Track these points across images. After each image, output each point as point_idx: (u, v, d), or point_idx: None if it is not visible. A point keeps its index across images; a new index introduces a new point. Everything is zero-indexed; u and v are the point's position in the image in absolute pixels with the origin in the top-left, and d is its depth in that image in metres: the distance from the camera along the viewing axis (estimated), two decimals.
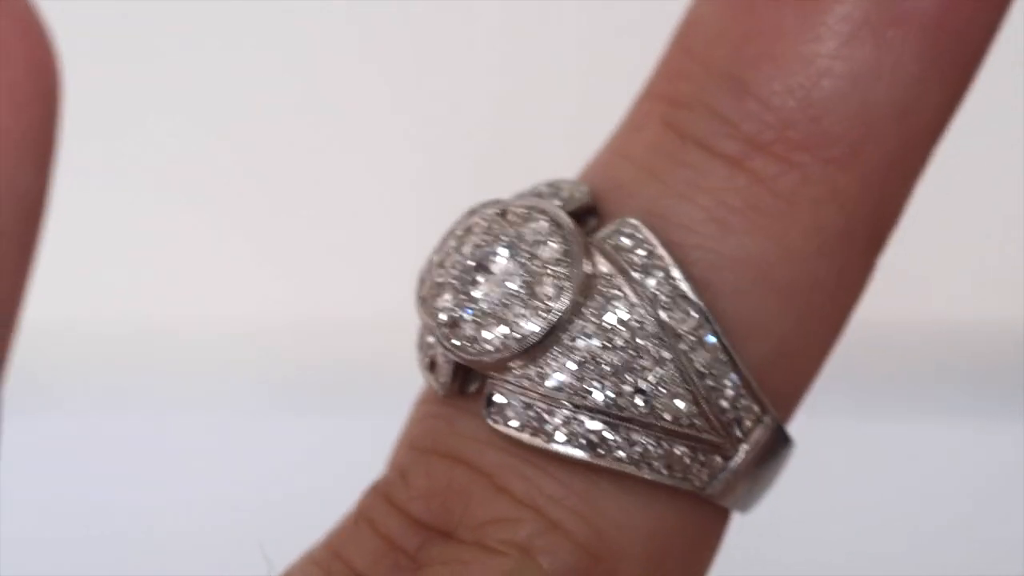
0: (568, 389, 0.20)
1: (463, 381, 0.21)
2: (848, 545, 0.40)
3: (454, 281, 0.21)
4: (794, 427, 0.22)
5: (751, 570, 0.37)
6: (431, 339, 0.21)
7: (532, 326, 0.20)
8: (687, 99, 0.21)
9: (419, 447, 0.21)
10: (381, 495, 0.21)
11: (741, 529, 0.23)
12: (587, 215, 0.21)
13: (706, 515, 0.21)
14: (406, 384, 0.23)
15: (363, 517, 0.21)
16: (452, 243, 0.21)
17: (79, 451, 0.42)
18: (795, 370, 0.21)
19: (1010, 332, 0.45)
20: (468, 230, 0.21)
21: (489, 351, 0.20)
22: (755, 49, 0.21)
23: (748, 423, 0.20)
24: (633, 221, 0.20)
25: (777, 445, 0.21)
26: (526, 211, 0.21)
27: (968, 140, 0.43)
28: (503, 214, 0.21)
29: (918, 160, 0.21)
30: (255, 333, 0.46)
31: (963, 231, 0.47)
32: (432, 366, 0.21)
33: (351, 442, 0.24)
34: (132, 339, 0.45)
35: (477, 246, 0.21)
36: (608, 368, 0.20)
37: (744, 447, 0.20)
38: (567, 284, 0.20)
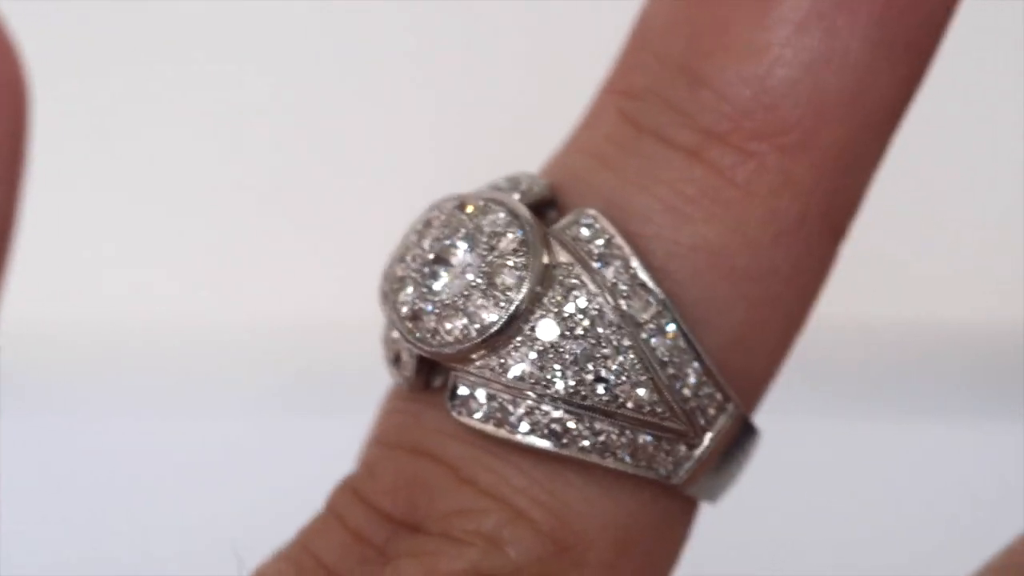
0: (530, 379, 0.20)
1: (428, 375, 0.21)
2: (847, 545, 0.40)
3: (414, 274, 0.21)
4: (793, 428, 0.22)
5: (751, 569, 0.37)
6: (395, 334, 0.21)
7: (491, 316, 0.20)
8: (642, 91, 0.21)
9: (385, 442, 0.22)
10: (349, 490, 0.21)
11: (739, 528, 0.23)
12: (547, 208, 0.21)
13: (672, 504, 0.21)
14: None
15: (332, 512, 0.21)
16: (412, 237, 0.21)
17: (71, 452, 0.42)
18: (755, 358, 0.21)
19: (1010, 332, 0.45)
20: (427, 224, 0.21)
21: (450, 342, 0.20)
22: (708, 39, 0.21)
23: (711, 411, 0.20)
24: (591, 211, 0.21)
25: (742, 435, 0.21)
26: (484, 203, 0.21)
27: (968, 140, 0.43)
28: (461, 207, 0.21)
29: (872, 146, 0.21)
30: (251, 335, 0.46)
31: (964, 231, 0.47)
32: (397, 360, 0.21)
33: (344, 443, 0.24)
34: (130, 340, 0.46)
35: (436, 239, 0.21)
36: (569, 357, 0.20)
37: (708, 435, 0.20)
38: (525, 274, 0.20)
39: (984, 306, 0.46)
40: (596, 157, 0.21)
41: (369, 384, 0.25)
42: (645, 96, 0.21)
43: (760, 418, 0.22)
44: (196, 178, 0.48)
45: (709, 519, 0.23)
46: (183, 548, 0.38)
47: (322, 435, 0.36)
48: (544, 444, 0.20)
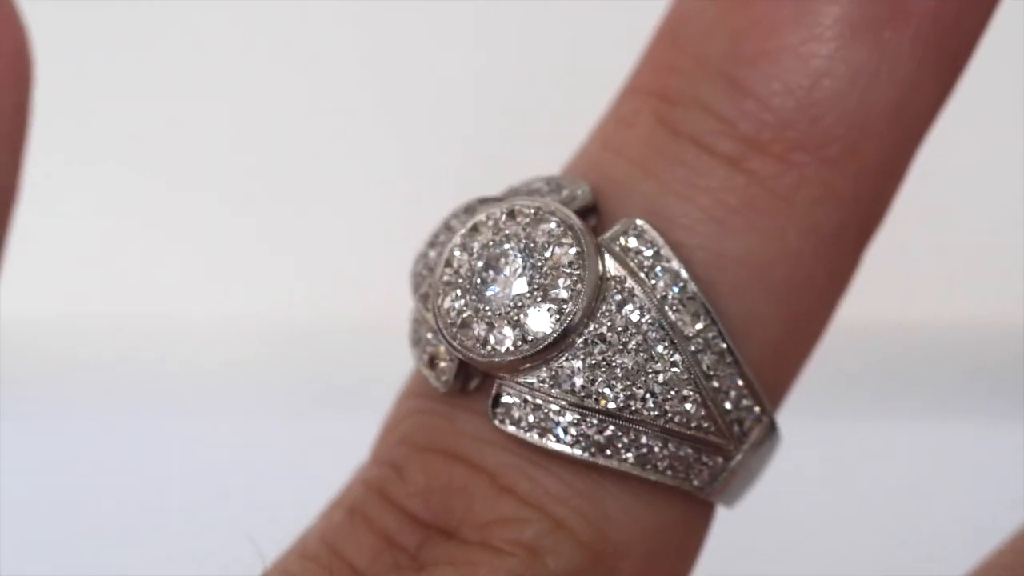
0: (580, 392, 0.20)
1: (464, 378, 0.21)
2: (846, 545, 0.40)
3: (462, 281, 0.20)
4: (794, 428, 0.22)
5: (751, 569, 0.37)
6: (430, 336, 0.21)
7: (545, 328, 0.20)
8: (680, 95, 0.21)
9: (414, 443, 0.21)
10: (375, 490, 0.21)
11: (739, 528, 0.23)
12: (587, 213, 0.21)
13: (696, 510, 0.21)
14: (397, 384, 0.23)
15: (357, 512, 0.21)
16: (457, 241, 0.21)
17: (72, 451, 0.42)
18: (787, 366, 0.21)
19: (1010, 332, 0.45)
20: (474, 229, 0.21)
21: (501, 353, 0.20)
22: (751, 47, 0.20)
23: (748, 424, 0.21)
24: (640, 222, 0.20)
25: (769, 440, 0.21)
26: (535, 211, 0.20)
27: (969, 140, 0.43)
28: (511, 214, 0.20)
29: (908, 157, 0.21)
30: (250, 333, 0.45)
31: (964, 231, 0.47)
32: (431, 363, 0.21)
33: (346, 442, 0.24)
34: (127, 338, 0.45)
35: (485, 246, 0.20)
36: (620, 371, 0.20)
37: (743, 447, 0.20)
38: (581, 287, 0.20)
39: (985, 306, 0.46)
40: (635, 162, 0.21)
41: (375, 384, 0.24)
42: (683, 101, 0.21)
43: None
44: (205, 178, 0.47)
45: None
46: (185, 549, 0.37)
47: (327, 435, 0.35)
48: (589, 456, 0.20)
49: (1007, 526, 0.23)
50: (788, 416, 0.22)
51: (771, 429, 0.21)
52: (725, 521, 0.23)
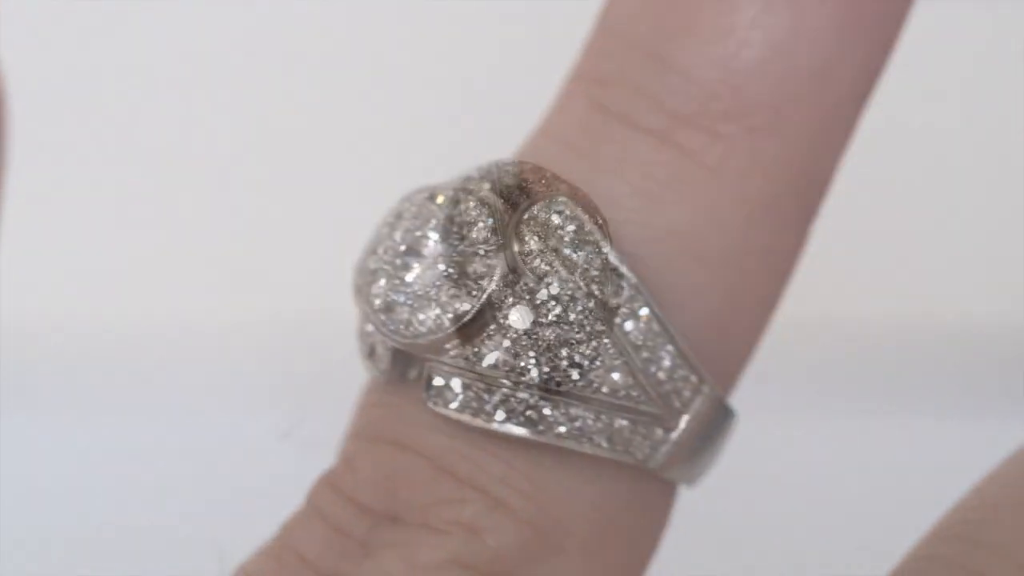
0: (504, 366, 0.20)
1: (404, 368, 0.21)
2: (845, 545, 0.40)
3: (387, 266, 0.21)
4: (794, 427, 0.22)
5: (754, 569, 0.37)
6: (369, 327, 0.21)
7: (464, 305, 0.20)
8: (610, 77, 0.21)
9: (364, 435, 0.22)
10: (328, 484, 0.21)
11: (740, 528, 0.23)
12: (519, 196, 0.21)
13: (651, 488, 0.21)
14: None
15: (311, 506, 0.21)
16: (384, 230, 0.21)
17: (54, 452, 0.42)
18: (730, 340, 0.21)
19: (1010, 331, 0.44)
20: (399, 215, 0.21)
21: (423, 332, 0.20)
22: (674, 23, 0.21)
23: (687, 394, 0.20)
24: (561, 199, 0.21)
25: (718, 417, 0.21)
26: (454, 193, 0.21)
27: (969, 140, 0.43)
28: (432, 198, 0.21)
29: (842, 125, 0.21)
30: (229, 333, 0.46)
31: (964, 230, 0.47)
32: (371, 354, 0.22)
33: (329, 441, 0.24)
34: (114, 338, 0.46)
35: (408, 231, 0.21)
36: (542, 343, 0.20)
37: (684, 418, 0.20)
38: (496, 262, 0.20)
39: (985, 304, 0.46)
40: (566, 144, 0.21)
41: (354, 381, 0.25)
42: (614, 82, 0.21)
43: (759, 417, 0.22)
44: (197, 177, 0.47)
45: (713, 518, 0.23)
46: (153, 545, 0.38)
47: (311, 434, 0.35)
48: (520, 431, 0.20)
49: None
50: (788, 415, 0.22)
51: (720, 404, 0.21)
52: (724, 520, 0.23)
